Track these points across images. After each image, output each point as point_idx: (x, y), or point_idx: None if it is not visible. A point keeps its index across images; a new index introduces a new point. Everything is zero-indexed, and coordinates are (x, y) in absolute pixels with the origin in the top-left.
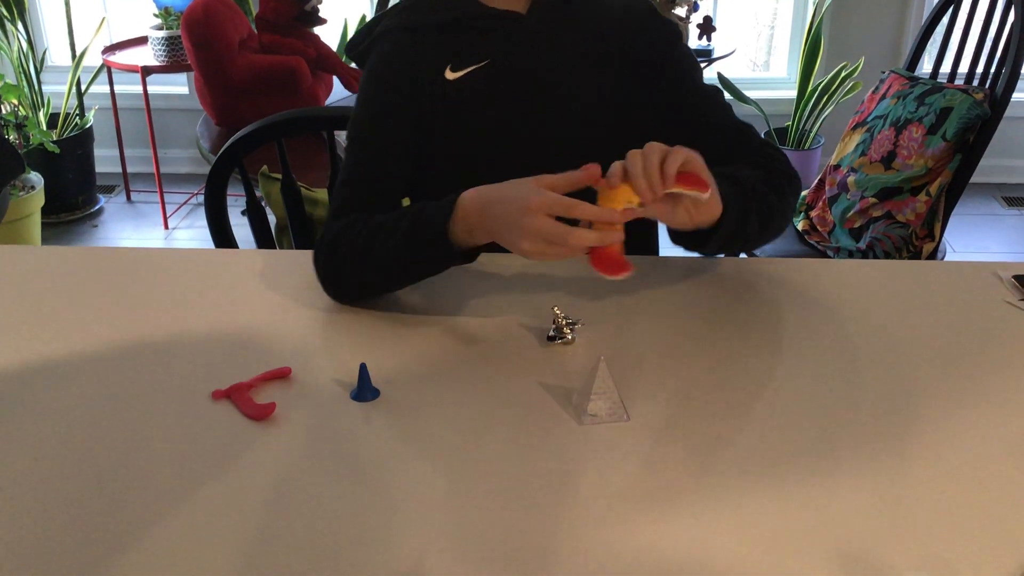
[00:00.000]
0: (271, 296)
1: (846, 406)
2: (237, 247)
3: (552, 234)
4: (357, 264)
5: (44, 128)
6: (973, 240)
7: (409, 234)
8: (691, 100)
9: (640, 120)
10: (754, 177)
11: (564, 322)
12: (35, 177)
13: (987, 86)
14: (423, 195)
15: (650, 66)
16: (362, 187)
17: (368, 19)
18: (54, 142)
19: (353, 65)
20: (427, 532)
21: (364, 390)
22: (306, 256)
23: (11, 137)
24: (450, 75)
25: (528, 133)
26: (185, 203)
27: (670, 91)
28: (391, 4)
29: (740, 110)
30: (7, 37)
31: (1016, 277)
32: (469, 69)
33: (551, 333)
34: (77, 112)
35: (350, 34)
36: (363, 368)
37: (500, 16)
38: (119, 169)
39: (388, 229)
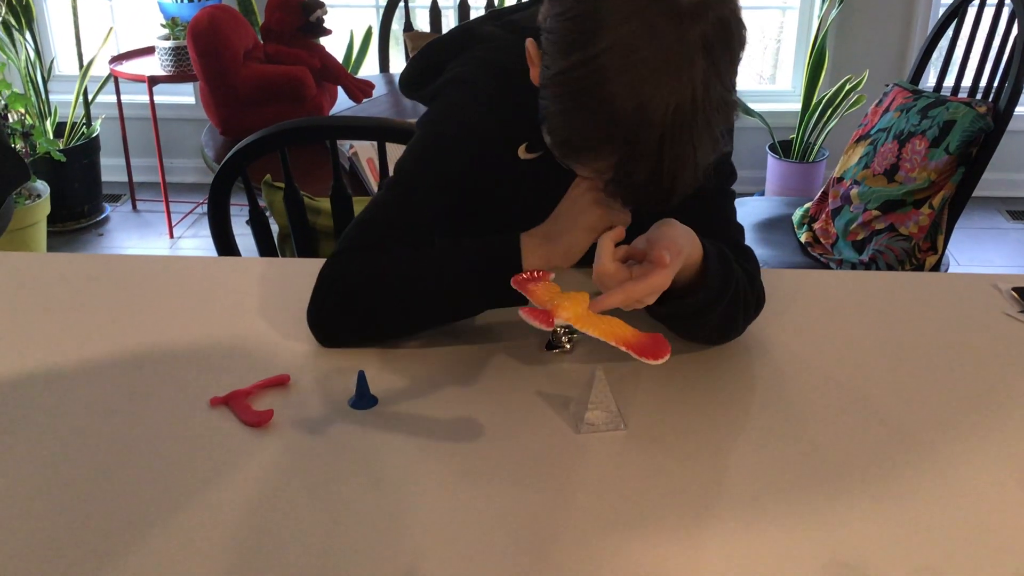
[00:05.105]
0: (271, 304)
1: (845, 417)
2: (240, 256)
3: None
4: (393, 298)
5: (51, 137)
6: (977, 254)
7: (474, 268)
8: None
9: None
10: (742, 279)
11: (562, 331)
12: (41, 186)
13: (990, 99)
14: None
15: None
16: (390, 231)
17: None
18: (60, 151)
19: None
20: (424, 540)
21: (362, 398)
22: (307, 264)
23: (18, 146)
24: (524, 155)
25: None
26: (190, 212)
27: None
28: (449, 37)
29: (745, 123)
30: (15, 46)
31: (1015, 289)
32: (541, 153)
33: (549, 342)
34: (84, 121)
35: (356, 46)
36: (361, 376)
37: None
38: (125, 178)
39: (439, 264)
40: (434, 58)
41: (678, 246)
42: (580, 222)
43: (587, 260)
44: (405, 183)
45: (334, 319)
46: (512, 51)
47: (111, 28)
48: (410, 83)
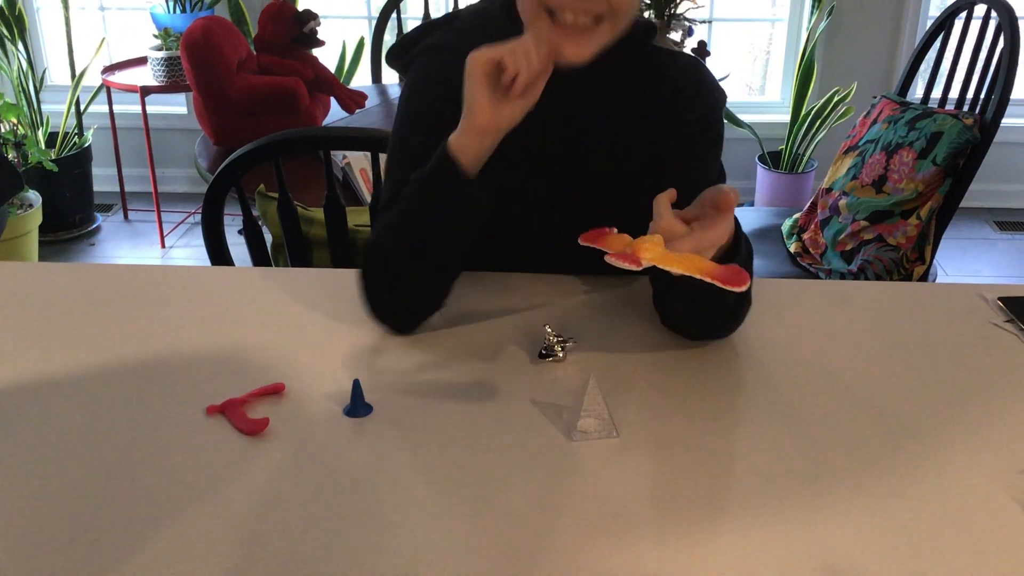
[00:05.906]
0: (265, 312)
1: (834, 425)
2: (233, 265)
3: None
4: (395, 251)
5: (43, 147)
6: (966, 264)
7: (420, 183)
8: (686, 176)
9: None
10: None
11: (555, 340)
12: (33, 195)
13: (977, 111)
14: None
15: (680, 132)
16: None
17: (378, 38)
18: (53, 161)
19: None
20: (418, 548)
21: (357, 406)
22: (301, 273)
23: (10, 155)
24: None
25: (549, 177)
26: (182, 222)
27: (675, 156)
28: (441, 17)
29: (734, 133)
30: (7, 56)
31: (1001, 299)
32: None
33: (542, 351)
34: (76, 131)
35: (349, 57)
36: (356, 384)
37: None
38: (117, 188)
39: (408, 192)
40: (422, 31)
41: (730, 201)
42: (472, 83)
43: (603, 268)
44: (398, 148)
45: (376, 301)
46: (492, 7)
47: (103, 38)
48: (393, 53)
